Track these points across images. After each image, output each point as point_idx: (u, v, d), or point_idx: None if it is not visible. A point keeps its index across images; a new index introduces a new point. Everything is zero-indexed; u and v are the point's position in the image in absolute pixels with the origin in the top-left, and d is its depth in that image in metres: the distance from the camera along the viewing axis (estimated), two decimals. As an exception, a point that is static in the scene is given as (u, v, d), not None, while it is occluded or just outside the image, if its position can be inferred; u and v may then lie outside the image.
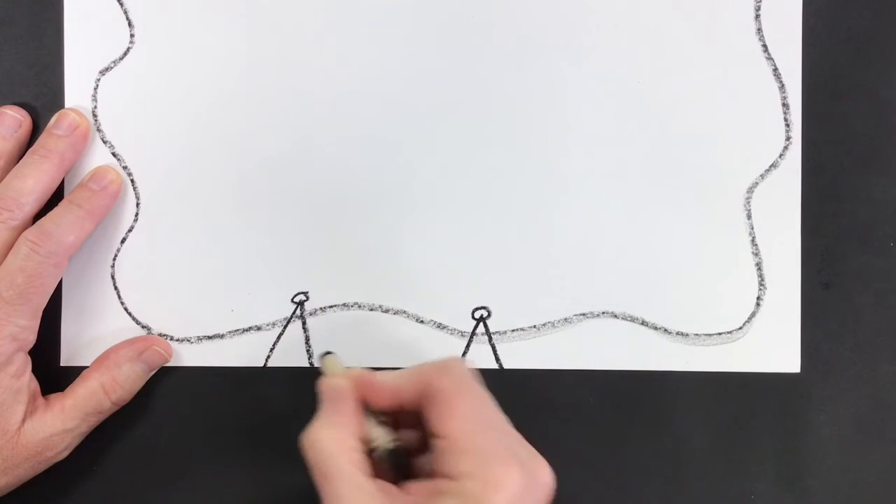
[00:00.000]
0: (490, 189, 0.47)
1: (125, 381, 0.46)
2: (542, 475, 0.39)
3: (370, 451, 0.40)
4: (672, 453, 0.47)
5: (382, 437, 0.40)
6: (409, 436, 0.41)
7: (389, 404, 0.41)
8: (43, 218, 0.44)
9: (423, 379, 0.40)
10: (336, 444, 0.39)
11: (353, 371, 0.42)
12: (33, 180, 0.44)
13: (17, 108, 0.46)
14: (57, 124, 0.46)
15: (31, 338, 0.44)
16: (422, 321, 0.47)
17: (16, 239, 0.43)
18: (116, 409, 0.46)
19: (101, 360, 0.46)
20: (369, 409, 0.41)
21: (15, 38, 0.47)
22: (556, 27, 0.47)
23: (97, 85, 0.47)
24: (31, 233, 0.43)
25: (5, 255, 0.43)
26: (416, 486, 0.39)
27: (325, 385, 0.41)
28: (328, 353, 0.43)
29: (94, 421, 0.45)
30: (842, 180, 0.47)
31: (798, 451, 0.47)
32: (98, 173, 0.46)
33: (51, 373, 0.46)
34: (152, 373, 0.47)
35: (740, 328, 0.47)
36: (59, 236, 0.44)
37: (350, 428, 0.40)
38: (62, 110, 0.47)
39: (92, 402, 0.45)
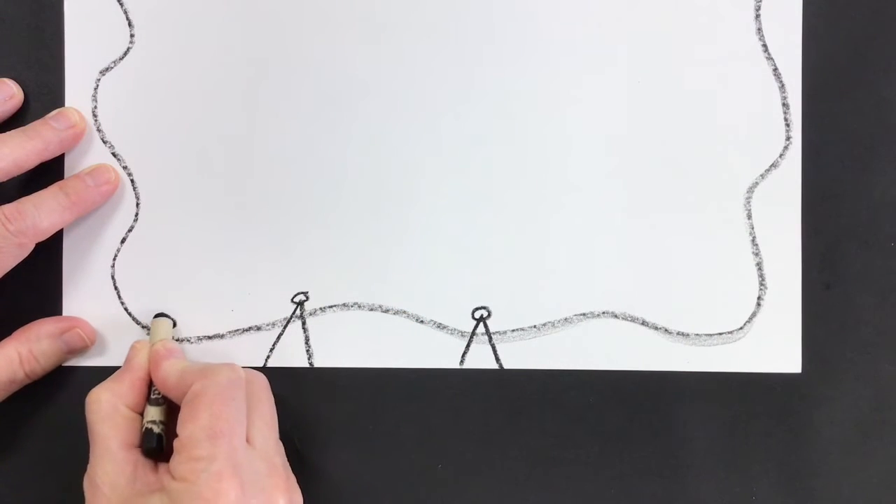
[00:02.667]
0: (490, 189, 0.47)
1: (41, 356, 0.45)
2: (273, 501, 0.40)
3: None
4: (672, 453, 0.47)
5: (153, 417, 0.44)
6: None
7: (161, 391, 0.44)
8: (26, 196, 0.44)
9: (189, 379, 0.42)
10: (107, 409, 0.42)
11: (157, 344, 0.45)
12: (8, 149, 0.44)
13: (13, 81, 0.46)
14: (55, 117, 0.46)
15: None
16: (422, 321, 0.47)
17: None
18: (28, 382, 0.46)
19: (23, 331, 0.46)
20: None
21: (15, 38, 0.47)
22: (556, 27, 0.47)
23: (97, 85, 0.47)
24: (7, 207, 0.43)
25: None
26: (161, 470, 0.42)
27: (131, 347, 0.45)
28: (161, 314, 0.46)
29: (3, 390, 0.45)
30: (842, 180, 0.47)
31: (799, 451, 0.47)
32: (98, 170, 0.46)
33: (51, 372, 0.46)
34: (71, 356, 0.47)
35: (741, 328, 0.47)
36: (35, 219, 0.44)
37: (127, 397, 0.43)
38: (64, 107, 0.47)
39: (7, 370, 0.45)
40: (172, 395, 0.43)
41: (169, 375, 0.43)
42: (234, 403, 0.41)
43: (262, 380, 0.45)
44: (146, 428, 0.43)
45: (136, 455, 0.42)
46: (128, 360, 0.45)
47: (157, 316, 0.47)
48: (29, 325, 0.46)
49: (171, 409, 0.44)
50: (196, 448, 0.39)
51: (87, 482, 0.42)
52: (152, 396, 0.44)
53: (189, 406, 0.41)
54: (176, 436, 0.41)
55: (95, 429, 0.42)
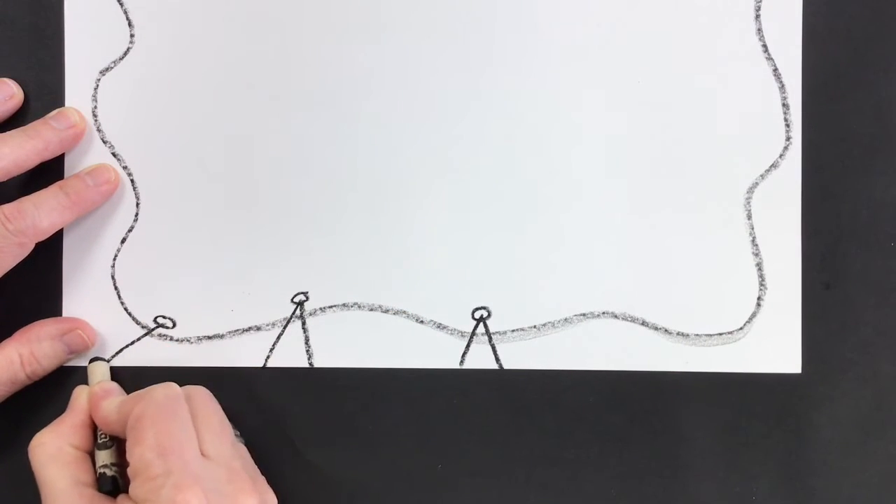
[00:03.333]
0: (490, 189, 0.47)
1: (43, 357, 0.45)
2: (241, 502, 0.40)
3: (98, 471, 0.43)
4: (672, 453, 0.47)
5: (104, 461, 0.43)
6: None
7: (105, 430, 0.43)
8: (26, 196, 0.44)
9: (127, 409, 0.42)
10: (51, 451, 0.42)
11: (94, 387, 0.45)
12: (8, 149, 0.44)
13: (13, 81, 0.46)
14: (56, 117, 0.46)
15: None
16: (422, 321, 0.47)
17: None
18: (29, 383, 0.46)
19: (24, 332, 0.46)
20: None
21: (15, 38, 0.47)
22: (556, 27, 0.47)
23: (97, 85, 0.47)
24: (7, 207, 0.43)
25: None
26: (121, 499, 0.41)
27: (73, 392, 0.45)
28: (96, 358, 0.46)
29: (4, 391, 0.45)
30: (842, 180, 0.47)
31: (799, 451, 0.47)
32: (98, 170, 0.47)
33: (51, 372, 0.46)
34: (72, 357, 0.47)
35: (741, 328, 0.47)
36: (35, 218, 0.44)
37: (71, 437, 0.43)
38: (64, 107, 0.47)
39: (7, 371, 0.45)
40: (117, 431, 0.43)
41: (109, 413, 0.43)
42: (177, 418, 0.41)
43: (204, 392, 0.44)
44: (100, 473, 0.43)
45: (91, 492, 0.42)
46: (70, 404, 0.45)
47: (92, 360, 0.47)
48: (29, 326, 0.46)
49: (122, 451, 0.43)
50: (149, 469, 0.39)
51: None
52: (99, 441, 0.44)
53: (133, 431, 0.40)
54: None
55: (41, 473, 0.42)
